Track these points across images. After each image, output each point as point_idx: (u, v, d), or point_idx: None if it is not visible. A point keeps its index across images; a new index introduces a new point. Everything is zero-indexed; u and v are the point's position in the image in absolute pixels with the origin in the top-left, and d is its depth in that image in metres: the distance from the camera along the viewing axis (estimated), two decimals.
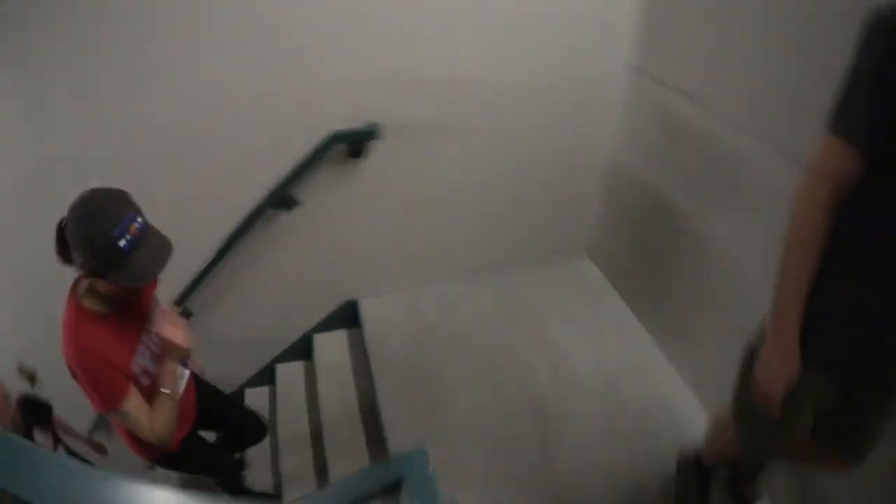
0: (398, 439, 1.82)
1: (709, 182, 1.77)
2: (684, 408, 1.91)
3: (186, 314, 2.05)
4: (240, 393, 2.45)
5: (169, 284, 1.55)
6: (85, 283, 1.13)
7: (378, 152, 1.99)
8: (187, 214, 1.76)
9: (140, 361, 1.21)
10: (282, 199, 1.93)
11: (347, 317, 2.40)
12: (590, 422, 1.89)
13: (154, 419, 1.19)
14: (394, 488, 0.75)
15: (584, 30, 1.95)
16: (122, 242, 1.00)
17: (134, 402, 1.15)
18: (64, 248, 1.06)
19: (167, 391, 1.24)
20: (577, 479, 1.72)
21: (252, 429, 1.84)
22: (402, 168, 2.07)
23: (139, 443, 1.34)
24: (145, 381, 1.22)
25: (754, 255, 1.56)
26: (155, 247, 1.06)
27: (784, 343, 0.94)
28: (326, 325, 2.41)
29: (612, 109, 2.16)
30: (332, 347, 2.38)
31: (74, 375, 1.12)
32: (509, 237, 2.42)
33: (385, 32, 1.78)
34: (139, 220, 1.04)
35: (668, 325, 2.10)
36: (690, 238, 1.86)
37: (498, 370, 2.09)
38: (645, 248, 2.18)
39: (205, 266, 1.99)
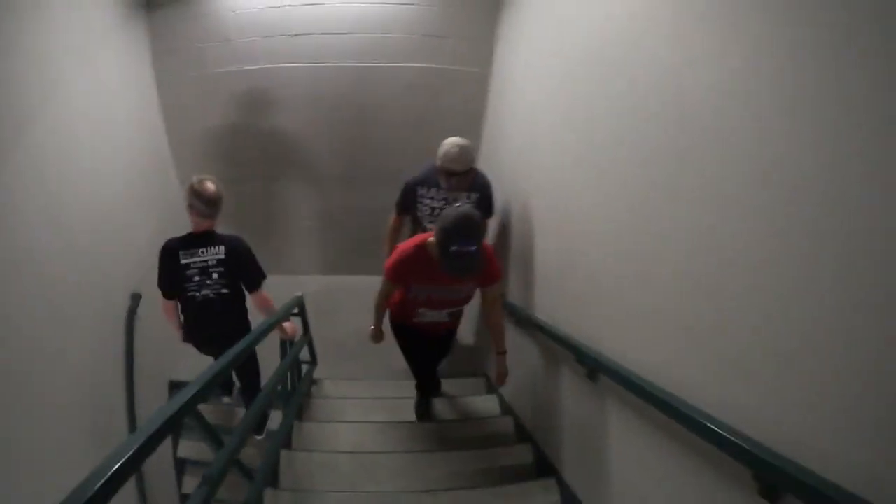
0: None
1: None
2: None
3: None
4: None
5: None
6: (433, 240, 1.91)
7: None
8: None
9: (418, 289, 2.09)
10: None
11: None
12: None
13: (380, 299, 2.20)
14: None
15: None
16: (452, 248, 1.78)
17: (386, 285, 2.14)
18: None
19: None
20: None
21: (432, 383, 2.84)
22: None
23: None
24: (411, 296, 2.11)
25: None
26: (462, 266, 1.82)
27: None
28: None
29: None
30: None
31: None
32: None
33: None
34: (472, 249, 1.78)
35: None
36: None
37: None
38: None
39: None
